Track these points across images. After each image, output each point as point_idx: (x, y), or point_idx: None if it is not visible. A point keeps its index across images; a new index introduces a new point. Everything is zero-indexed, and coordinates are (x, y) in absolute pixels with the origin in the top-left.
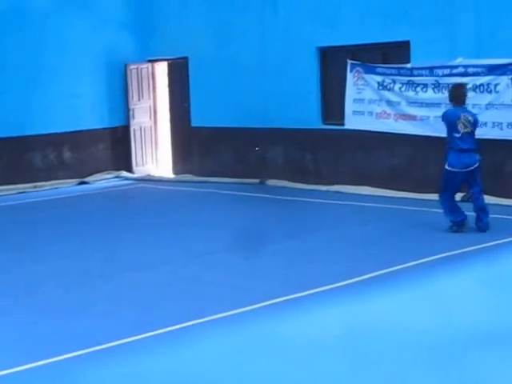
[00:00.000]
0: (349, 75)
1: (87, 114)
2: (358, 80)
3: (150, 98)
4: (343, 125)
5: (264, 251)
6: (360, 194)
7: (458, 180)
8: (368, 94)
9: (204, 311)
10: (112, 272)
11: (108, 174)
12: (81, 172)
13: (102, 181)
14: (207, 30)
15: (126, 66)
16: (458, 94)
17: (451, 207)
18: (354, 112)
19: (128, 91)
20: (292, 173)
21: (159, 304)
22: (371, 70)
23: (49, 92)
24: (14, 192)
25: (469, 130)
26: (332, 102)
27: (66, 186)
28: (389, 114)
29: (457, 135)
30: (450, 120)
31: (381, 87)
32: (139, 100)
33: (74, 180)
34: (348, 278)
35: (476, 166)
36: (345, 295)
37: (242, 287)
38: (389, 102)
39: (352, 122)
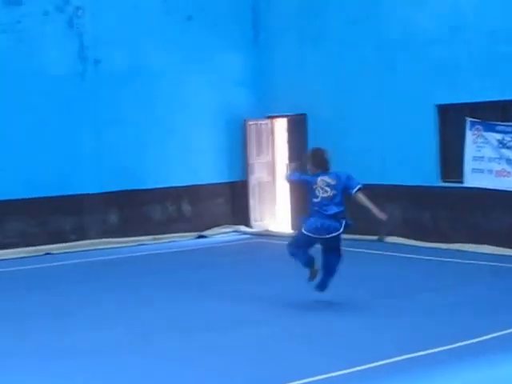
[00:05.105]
0: (468, 133)
1: (207, 168)
2: (477, 138)
3: (268, 154)
4: (462, 182)
5: (379, 308)
6: (480, 253)
7: (311, 243)
8: (487, 151)
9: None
10: (229, 325)
11: (226, 228)
12: (199, 225)
13: (221, 235)
14: (325, 87)
15: (245, 122)
16: (319, 160)
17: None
18: (474, 170)
19: (247, 147)
20: (410, 230)
21: (273, 359)
22: (491, 128)
23: (168, 147)
24: (135, 244)
25: (330, 194)
26: (451, 159)
27: (185, 240)
28: (509, 173)
29: (315, 200)
30: (308, 185)
31: (501, 145)
32: (258, 155)
33: (192, 233)
34: (463, 340)
35: (335, 234)
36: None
37: (356, 346)
38: (509, 161)
39: (471, 180)
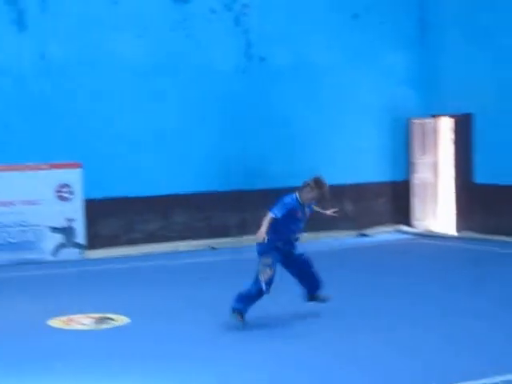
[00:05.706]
0: None
1: (370, 167)
2: None
3: (432, 154)
4: None
5: None
6: None
7: None
8: None
9: None
10: (395, 324)
11: (387, 227)
12: (360, 224)
13: (382, 234)
14: (494, 86)
15: (409, 121)
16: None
17: None
18: None
19: (411, 146)
20: None
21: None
22: None
23: (332, 144)
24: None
25: None
26: None
27: (346, 237)
28: None
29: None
30: None
31: None
32: (422, 155)
33: (353, 232)
34: None
35: None
36: None
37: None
38: None
39: None
